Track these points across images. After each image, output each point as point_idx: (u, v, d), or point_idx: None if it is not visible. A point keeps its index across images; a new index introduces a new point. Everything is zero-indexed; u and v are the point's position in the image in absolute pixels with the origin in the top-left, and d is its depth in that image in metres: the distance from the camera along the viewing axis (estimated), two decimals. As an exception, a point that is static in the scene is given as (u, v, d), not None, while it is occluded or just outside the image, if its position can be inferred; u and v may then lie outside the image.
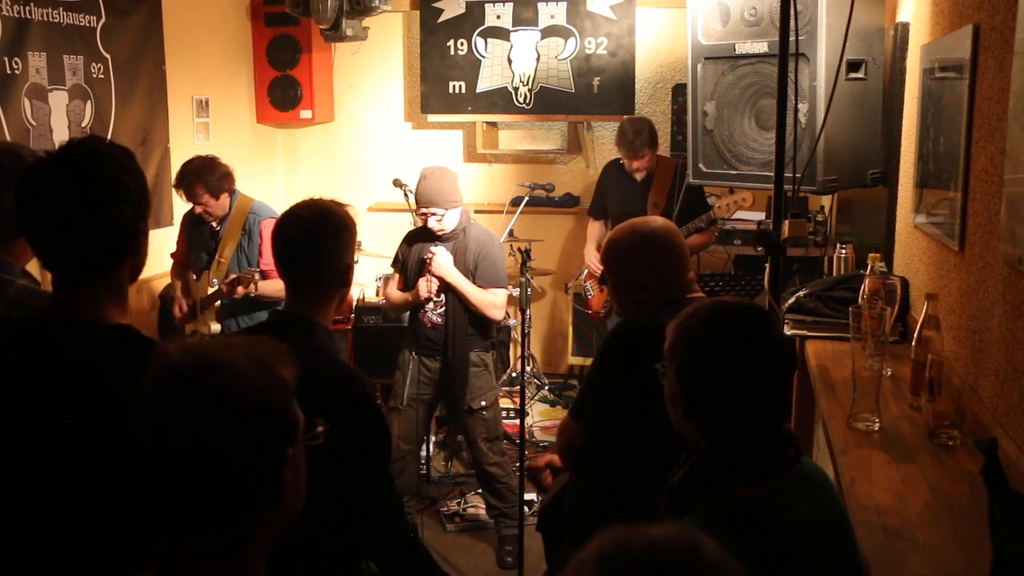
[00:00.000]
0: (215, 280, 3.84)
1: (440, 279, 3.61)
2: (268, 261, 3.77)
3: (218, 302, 3.88)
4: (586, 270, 4.86)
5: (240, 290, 3.65)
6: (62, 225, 1.47)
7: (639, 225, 2.28)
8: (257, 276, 3.68)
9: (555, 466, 2.59)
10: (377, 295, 5.32)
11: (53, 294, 1.52)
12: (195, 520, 1.04)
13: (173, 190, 3.90)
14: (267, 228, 3.90)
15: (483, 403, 3.77)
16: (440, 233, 3.63)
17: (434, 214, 3.59)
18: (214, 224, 3.88)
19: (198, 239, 3.96)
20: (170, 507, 1.05)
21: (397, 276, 3.86)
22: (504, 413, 4.58)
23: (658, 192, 4.54)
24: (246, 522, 1.06)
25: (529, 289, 4.48)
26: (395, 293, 3.83)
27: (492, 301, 3.66)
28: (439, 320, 3.70)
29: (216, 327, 3.90)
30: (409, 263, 3.78)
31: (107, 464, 1.37)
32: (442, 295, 3.67)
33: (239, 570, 1.08)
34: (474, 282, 3.63)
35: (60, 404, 1.41)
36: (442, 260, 3.61)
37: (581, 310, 5.27)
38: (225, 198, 3.83)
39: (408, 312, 3.85)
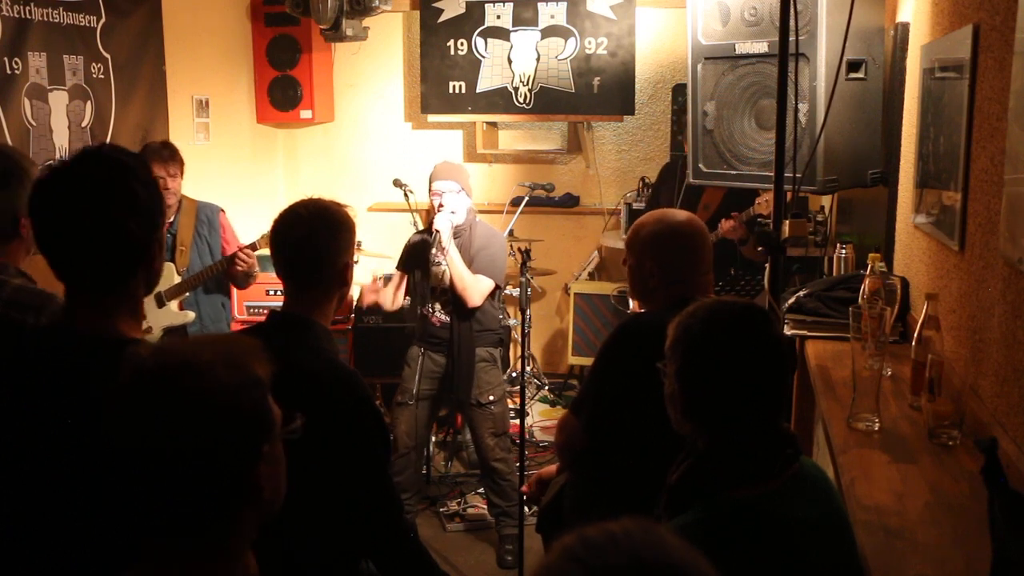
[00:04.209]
0: (182, 269, 3.80)
1: (440, 248, 3.60)
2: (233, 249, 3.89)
3: (187, 293, 3.82)
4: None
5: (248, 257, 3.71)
6: (73, 239, 1.46)
7: (665, 215, 2.29)
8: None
9: (543, 479, 2.58)
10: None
11: (66, 304, 1.51)
12: (173, 522, 1.04)
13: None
14: (224, 218, 4.02)
15: (491, 397, 3.79)
16: (452, 214, 3.63)
17: (451, 190, 3.63)
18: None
19: None
20: (148, 509, 1.04)
21: (402, 277, 3.87)
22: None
23: (711, 194, 4.44)
24: (224, 521, 1.06)
25: (529, 289, 4.47)
26: (386, 293, 3.86)
27: (476, 285, 3.65)
28: (446, 318, 3.71)
29: (191, 315, 3.79)
30: (409, 253, 3.78)
31: (104, 473, 1.36)
32: (447, 293, 3.68)
33: (222, 567, 1.07)
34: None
35: (65, 414, 1.39)
36: (445, 219, 3.61)
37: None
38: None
39: (416, 309, 3.87)
